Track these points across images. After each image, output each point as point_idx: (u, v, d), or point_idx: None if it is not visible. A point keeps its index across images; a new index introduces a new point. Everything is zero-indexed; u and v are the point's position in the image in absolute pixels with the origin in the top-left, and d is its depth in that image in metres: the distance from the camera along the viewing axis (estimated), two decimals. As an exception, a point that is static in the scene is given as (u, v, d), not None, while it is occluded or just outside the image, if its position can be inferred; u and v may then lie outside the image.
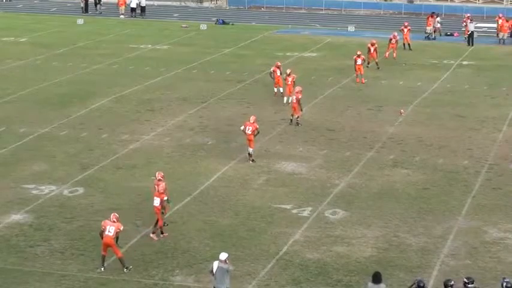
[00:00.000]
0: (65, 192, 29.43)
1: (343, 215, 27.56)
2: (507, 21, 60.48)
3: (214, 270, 21.35)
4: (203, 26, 64.82)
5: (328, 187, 30.08)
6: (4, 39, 59.33)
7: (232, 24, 67.36)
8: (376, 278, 20.60)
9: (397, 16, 71.74)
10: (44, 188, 29.78)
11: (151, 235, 25.59)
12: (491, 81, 46.81)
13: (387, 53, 52.40)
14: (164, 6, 77.12)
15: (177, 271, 23.58)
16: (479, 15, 68.63)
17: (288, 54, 54.10)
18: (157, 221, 25.41)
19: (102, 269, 23.47)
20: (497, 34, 60.38)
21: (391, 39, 52.64)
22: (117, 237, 23.22)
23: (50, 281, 22.93)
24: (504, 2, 74.33)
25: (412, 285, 20.67)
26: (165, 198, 25.30)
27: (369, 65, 48.88)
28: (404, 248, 25.19)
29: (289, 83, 40.65)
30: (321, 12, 74.65)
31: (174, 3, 78.41)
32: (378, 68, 49.23)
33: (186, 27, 65.40)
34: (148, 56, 53.55)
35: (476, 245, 25.37)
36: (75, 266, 23.80)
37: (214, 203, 28.56)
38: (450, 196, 29.36)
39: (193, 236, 25.80)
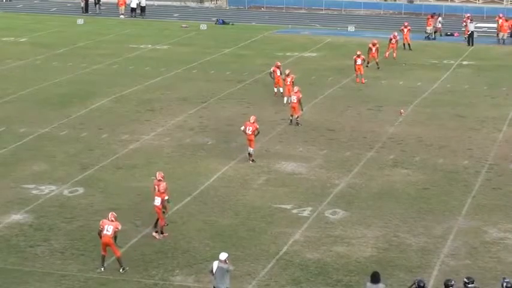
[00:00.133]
0: (65, 192, 29.42)
1: (343, 215, 27.56)
2: (507, 21, 60.47)
3: (214, 270, 21.34)
4: (203, 26, 64.80)
5: (328, 187, 30.07)
6: (4, 39, 59.29)
7: (232, 24, 67.35)
8: (375, 278, 20.52)
9: (397, 16, 71.72)
10: (44, 188, 29.77)
11: (153, 234, 25.61)
12: (491, 81, 46.79)
13: (387, 53, 52.39)
14: (164, 6, 77.09)
15: (177, 271, 23.57)
16: (479, 15, 68.60)
17: (288, 54, 54.08)
18: (158, 220, 25.45)
19: (102, 269, 23.46)
20: (497, 34, 60.35)
21: (391, 39, 52.64)
22: (115, 237, 23.22)
23: (50, 281, 22.92)
24: (504, 2, 74.30)
25: (412, 285, 20.62)
26: (166, 197, 25.32)
27: (369, 65, 48.87)
28: (404, 248, 25.18)
29: (288, 83, 40.63)
30: (321, 12, 74.65)
31: (174, 3, 78.38)
32: (378, 68, 49.22)
33: (186, 27, 65.39)
34: (148, 56, 53.54)
35: (476, 245, 25.36)
36: (75, 266, 23.79)
37: (214, 203, 28.56)
38: (450, 196, 29.35)
39: (193, 236, 25.80)
